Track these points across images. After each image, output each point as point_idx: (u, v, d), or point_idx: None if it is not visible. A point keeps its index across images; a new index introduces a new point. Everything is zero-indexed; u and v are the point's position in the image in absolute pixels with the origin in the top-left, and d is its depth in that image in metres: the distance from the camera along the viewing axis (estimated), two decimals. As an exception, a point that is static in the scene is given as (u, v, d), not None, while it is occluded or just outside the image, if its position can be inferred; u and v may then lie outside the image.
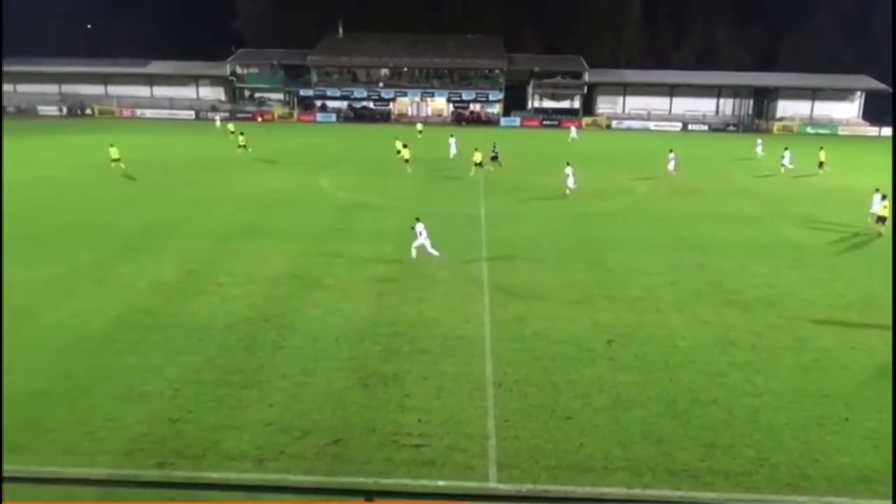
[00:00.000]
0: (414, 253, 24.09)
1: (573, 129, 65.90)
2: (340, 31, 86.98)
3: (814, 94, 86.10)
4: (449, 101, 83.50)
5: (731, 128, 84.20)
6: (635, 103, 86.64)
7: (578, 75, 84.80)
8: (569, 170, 36.30)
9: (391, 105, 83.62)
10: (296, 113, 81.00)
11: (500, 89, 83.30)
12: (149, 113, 79.11)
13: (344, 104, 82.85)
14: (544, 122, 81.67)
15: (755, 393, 14.69)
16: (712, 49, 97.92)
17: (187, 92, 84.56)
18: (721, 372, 15.82)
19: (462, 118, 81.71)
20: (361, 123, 76.60)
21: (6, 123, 62.17)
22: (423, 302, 20.12)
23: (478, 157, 41.99)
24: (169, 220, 29.64)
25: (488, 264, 23.89)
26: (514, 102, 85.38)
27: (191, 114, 79.31)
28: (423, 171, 43.81)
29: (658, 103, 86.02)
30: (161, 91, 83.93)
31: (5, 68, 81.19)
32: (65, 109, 78.92)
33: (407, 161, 42.90)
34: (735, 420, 13.67)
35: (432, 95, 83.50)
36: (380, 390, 14.72)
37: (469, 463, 12.19)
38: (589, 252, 25.70)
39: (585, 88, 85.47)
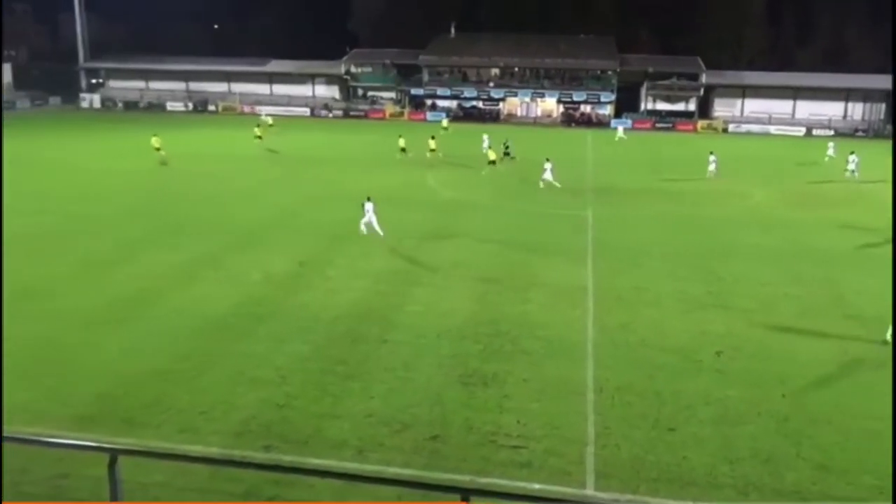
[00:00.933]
0: (363, 229, 26.27)
1: (620, 129, 63.94)
2: (453, 31, 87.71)
3: (955, 98, 79.79)
4: (559, 101, 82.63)
5: (860, 133, 79.27)
6: (755, 106, 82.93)
7: (695, 77, 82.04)
8: (547, 165, 37.35)
9: (501, 105, 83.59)
10: (406, 111, 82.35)
11: (612, 90, 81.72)
12: (267, 110, 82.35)
13: (454, 103, 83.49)
14: (657, 125, 79.56)
15: (876, 416, 13.70)
16: (841, 49, 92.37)
17: (304, 90, 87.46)
18: (840, 391, 14.94)
19: (572, 119, 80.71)
20: (470, 123, 76.96)
21: (142, 116, 66.37)
22: (527, 303, 20.02)
23: (492, 154, 42.45)
24: (283, 213, 30.76)
25: (594, 268, 23.51)
26: (626, 104, 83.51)
27: (306, 111, 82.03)
28: (523, 169, 43.55)
29: (780, 106, 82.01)
30: (279, 89, 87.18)
31: (140, 66, 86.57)
32: (191, 105, 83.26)
33: (493, 162, 42.34)
34: (851, 443, 12.88)
35: (542, 96, 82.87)
36: (479, 389, 14.76)
37: (566, 468, 12.03)
38: (700, 259, 24.85)
39: (702, 90, 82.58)
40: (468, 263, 23.70)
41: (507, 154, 45.72)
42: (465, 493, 5.50)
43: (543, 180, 37.21)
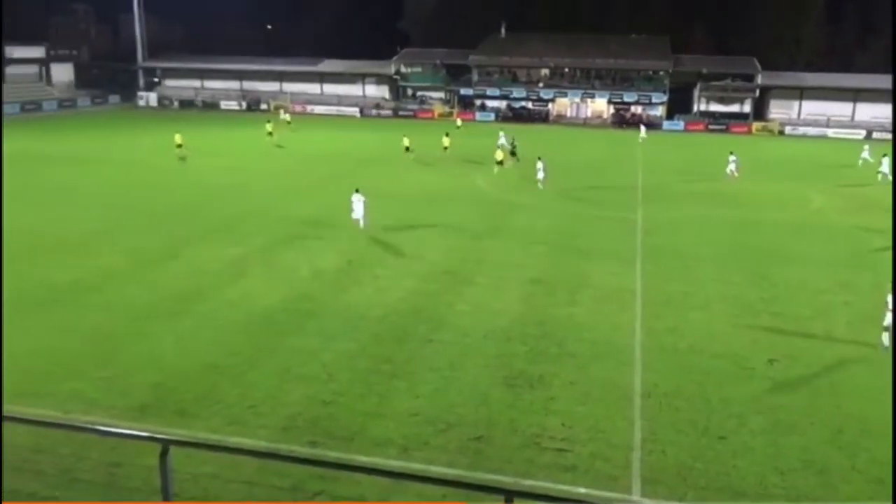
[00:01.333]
0: (358, 219, 27.50)
1: (643, 129, 62.81)
2: (503, 31, 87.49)
3: None
4: (610, 102, 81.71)
5: (923, 137, 76.54)
6: (813, 108, 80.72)
7: (750, 78, 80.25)
8: (540, 164, 37.35)
9: (550, 105, 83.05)
10: (455, 112, 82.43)
11: (665, 91, 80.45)
12: (317, 109, 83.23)
13: (503, 104, 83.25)
14: (710, 127, 78.07)
15: (938, 430, 13.27)
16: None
17: (354, 90, 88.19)
18: (898, 404, 14.44)
19: (622, 120, 79.75)
20: (519, 123, 76.57)
21: (197, 115, 67.77)
22: (574, 305, 19.87)
23: (499, 155, 42.58)
24: (333, 211, 31.03)
25: (642, 271, 23.20)
26: (678, 105, 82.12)
27: (356, 111, 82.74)
28: (567, 171, 43.21)
29: (839, 109, 79.66)
30: (330, 88, 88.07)
31: (195, 65, 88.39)
32: (244, 104, 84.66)
33: (500, 162, 42.31)
34: (912, 458, 12.44)
35: (593, 96, 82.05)
36: (525, 391, 14.69)
37: (612, 473, 11.90)
38: (753, 264, 24.30)
39: (757, 92, 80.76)
40: (516, 264, 23.62)
41: (513, 154, 45.62)
42: (509, 494, 5.48)
43: (538, 180, 37.10)
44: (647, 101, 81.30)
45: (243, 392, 14.40)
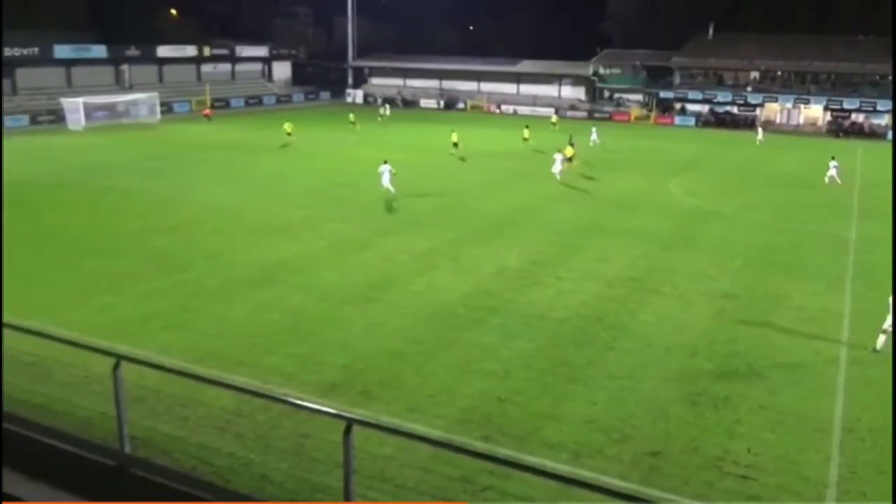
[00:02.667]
0: (389, 187, 31.67)
1: (760, 131, 55.96)
2: (710, 32, 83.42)
3: None
4: (826, 108, 75.25)
5: None
6: None
7: None
8: (557, 156, 38.08)
9: (758, 111, 78.02)
10: (653, 115, 79.83)
11: (892, 98, 72.81)
12: (512, 109, 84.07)
13: (705, 108, 79.34)
14: (946, 138, 69.60)
15: None
16: None
17: (550, 90, 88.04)
18: None
19: (840, 129, 73.16)
20: (722, 129, 72.69)
21: (399, 112, 70.92)
22: (769, 325, 18.58)
23: (569, 152, 40.38)
24: (522, 210, 31.28)
25: (852, 293, 21.18)
26: (907, 113, 74.06)
27: (550, 111, 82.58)
28: (775, 180, 40.26)
29: None
30: (526, 89, 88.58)
31: (399, 65, 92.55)
32: (442, 103, 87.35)
33: (570, 159, 40.20)
34: None
35: (807, 102, 75.94)
36: (708, 410, 13.97)
37: (801, 509, 11.02)
38: None
39: None
40: (708, 276, 22.49)
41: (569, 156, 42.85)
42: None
43: (553, 173, 37.72)
44: (871, 109, 73.97)
45: (423, 381, 14.91)
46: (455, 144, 46.69)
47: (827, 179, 39.28)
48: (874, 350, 16.68)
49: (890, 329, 16.41)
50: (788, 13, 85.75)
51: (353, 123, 58.50)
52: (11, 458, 8.21)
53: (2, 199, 25.52)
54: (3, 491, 6.60)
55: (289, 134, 49.93)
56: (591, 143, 50.65)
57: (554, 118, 67.43)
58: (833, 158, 40.12)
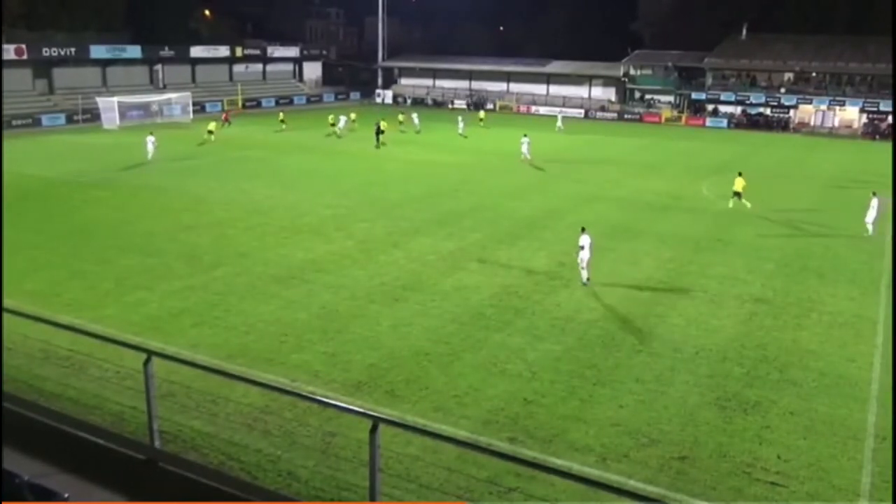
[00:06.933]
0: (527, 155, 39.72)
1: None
2: (744, 32, 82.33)
3: None
4: (863, 110, 73.84)
5: None
6: None
7: None
8: (525, 140, 43.86)
9: (792, 112, 76.81)
10: (684, 116, 79.03)
11: (893, 99, 71.04)
12: (542, 110, 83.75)
13: (737, 109, 78.31)
14: None
15: None
16: None
17: (580, 91, 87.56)
18: None
19: (877, 132, 71.76)
20: (754, 131, 71.73)
21: (429, 112, 71.02)
22: (801, 330, 18.30)
23: (739, 184, 32.30)
24: (551, 212, 31.13)
25: (887, 299, 20.75)
26: (947, 116, 72.37)
27: (580, 112, 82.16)
28: (810, 183, 39.61)
29: None
30: (556, 89, 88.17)
31: (428, 65, 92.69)
32: (471, 103, 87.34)
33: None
34: None
35: (843, 104, 74.58)
36: (738, 415, 13.80)
37: (832, 518, 10.84)
38: None
39: None
40: (739, 280, 22.20)
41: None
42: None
43: (522, 154, 43.37)
44: (909, 111, 72.38)
45: (450, 381, 14.92)
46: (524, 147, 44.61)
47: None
48: None
49: None
50: (825, 14, 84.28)
51: (401, 123, 59.45)
52: (45, 450, 8.39)
53: (2, 200, 26.04)
54: (26, 480, 6.49)
55: (332, 125, 53.81)
56: (556, 130, 59.51)
57: (482, 113, 69.11)
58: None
